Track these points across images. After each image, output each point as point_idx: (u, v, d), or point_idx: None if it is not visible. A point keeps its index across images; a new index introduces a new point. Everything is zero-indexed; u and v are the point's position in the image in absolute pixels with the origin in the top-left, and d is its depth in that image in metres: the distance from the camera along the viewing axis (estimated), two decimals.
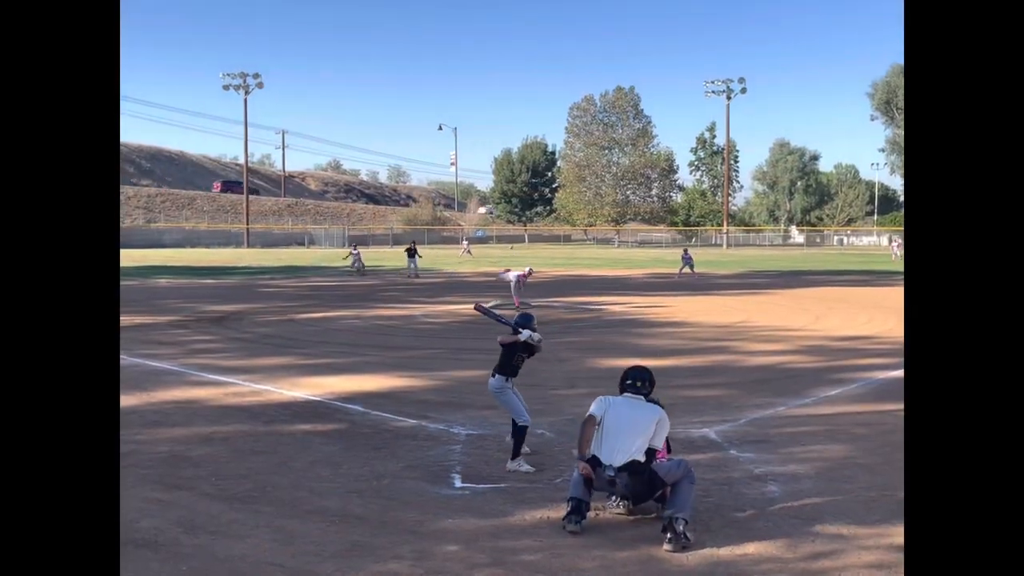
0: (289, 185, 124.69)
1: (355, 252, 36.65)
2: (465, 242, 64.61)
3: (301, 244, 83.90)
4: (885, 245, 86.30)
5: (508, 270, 22.58)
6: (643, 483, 5.47)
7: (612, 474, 5.45)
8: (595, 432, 5.67)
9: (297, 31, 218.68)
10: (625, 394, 5.91)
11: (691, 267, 35.39)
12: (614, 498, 5.81)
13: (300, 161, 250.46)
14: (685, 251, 38.16)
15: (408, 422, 8.47)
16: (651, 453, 5.55)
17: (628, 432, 5.59)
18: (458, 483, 6.48)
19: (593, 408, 5.80)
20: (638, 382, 5.93)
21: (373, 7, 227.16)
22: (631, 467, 5.45)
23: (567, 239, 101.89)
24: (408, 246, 35.96)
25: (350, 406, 9.21)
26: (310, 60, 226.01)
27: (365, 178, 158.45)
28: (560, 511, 5.67)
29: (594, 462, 5.52)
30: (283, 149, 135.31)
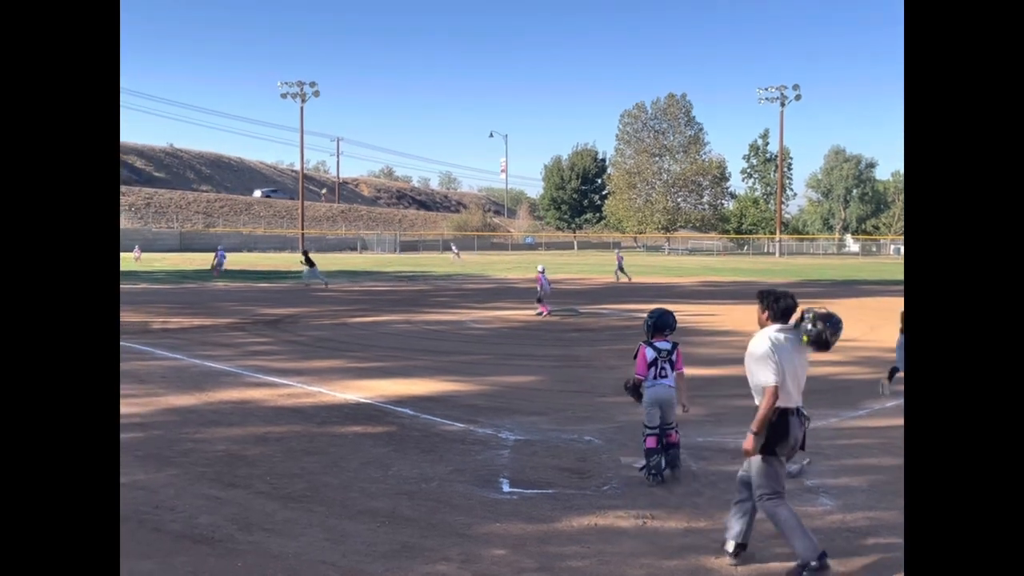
0: (343, 191, 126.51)
1: (220, 253, 35.55)
2: (454, 248, 64.73)
3: (354, 249, 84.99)
4: None
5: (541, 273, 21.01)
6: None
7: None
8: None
9: (352, 40, 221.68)
10: (779, 332, 5.06)
11: (621, 271, 34.25)
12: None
13: (354, 168, 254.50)
14: (618, 255, 37.10)
15: (457, 426, 8.55)
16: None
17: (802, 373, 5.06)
18: (506, 487, 6.53)
19: (773, 369, 4.89)
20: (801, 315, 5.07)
21: (426, 14, 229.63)
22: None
23: (616, 246, 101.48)
24: (303, 253, 33.13)
25: (400, 409, 9.34)
26: (364, 68, 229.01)
27: (416, 184, 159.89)
28: (608, 518, 5.68)
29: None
30: (337, 156, 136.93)
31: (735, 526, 5.07)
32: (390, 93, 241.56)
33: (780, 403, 4.85)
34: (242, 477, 6.70)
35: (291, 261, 52.11)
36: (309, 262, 31.43)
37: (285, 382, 10.94)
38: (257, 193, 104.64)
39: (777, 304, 5.07)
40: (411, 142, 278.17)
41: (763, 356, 4.89)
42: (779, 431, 4.89)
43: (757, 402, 4.98)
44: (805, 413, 5.08)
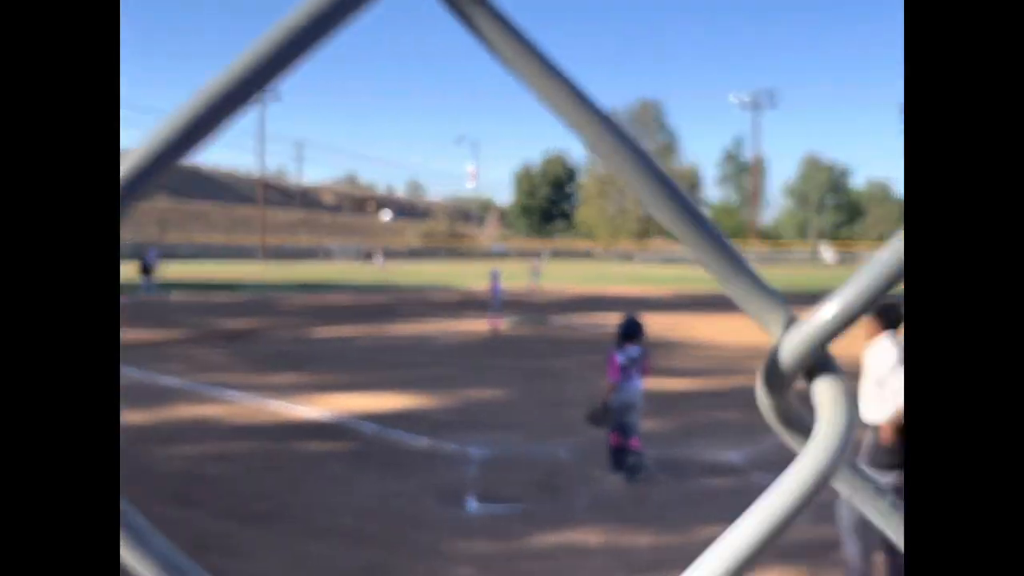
0: (304, 199, 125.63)
1: (150, 255, 32.06)
2: (377, 255, 64.36)
3: (316, 258, 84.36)
4: None
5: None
6: None
7: None
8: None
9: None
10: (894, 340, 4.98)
11: (535, 277, 33.82)
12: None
13: (316, 174, 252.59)
14: (535, 263, 36.54)
15: (423, 441, 8.38)
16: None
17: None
18: (474, 504, 6.38)
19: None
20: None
21: (390, 19, 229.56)
22: None
23: (588, 255, 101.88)
24: (142, 260, 30.29)
25: (364, 425, 9.14)
26: (327, 73, 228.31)
27: (382, 192, 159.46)
28: (577, 534, 5.57)
29: None
30: (299, 162, 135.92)
31: None
32: (355, 97, 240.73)
33: None
34: (200, 496, 6.48)
35: (250, 272, 51.55)
36: (146, 270, 29.42)
37: (244, 397, 10.68)
38: (386, 216, 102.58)
39: (893, 315, 4.97)
40: (377, 148, 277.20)
41: (901, 362, 4.78)
42: None
43: (870, 415, 4.88)
44: None
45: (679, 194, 0.38)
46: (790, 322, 0.41)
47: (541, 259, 37.82)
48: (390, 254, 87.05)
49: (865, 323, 4.96)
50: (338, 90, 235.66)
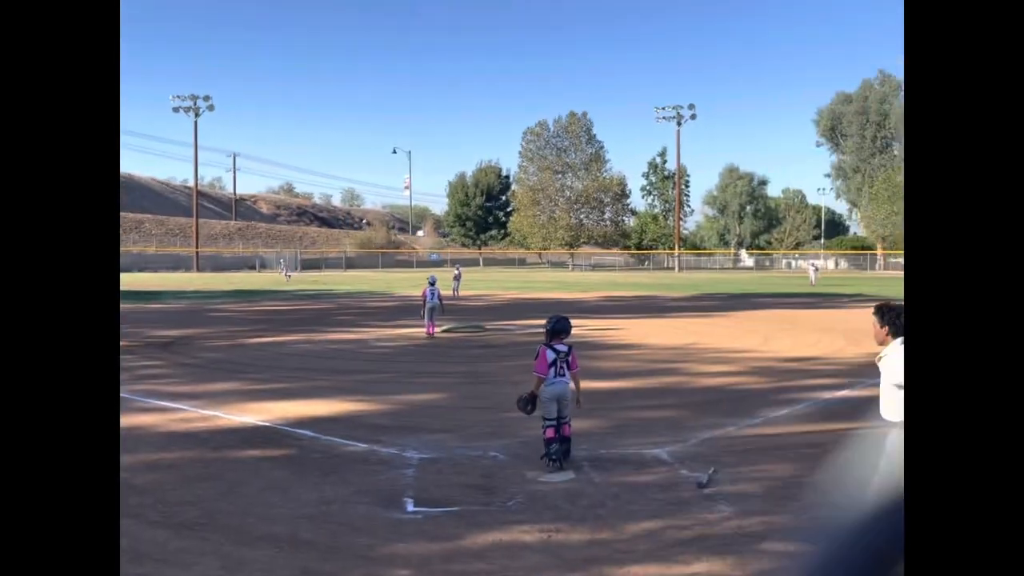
0: (240, 208, 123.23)
1: None
2: (283, 264, 63.73)
3: (252, 268, 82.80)
4: (832, 268, 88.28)
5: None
6: None
7: None
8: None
9: (249, 54, 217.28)
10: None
11: (453, 290, 34.27)
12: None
13: (252, 184, 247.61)
14: (456, 271, 37.16)
15: (360, 446, 8.39)
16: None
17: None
18: (410, 507, 6.43)
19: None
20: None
21: (324, 30, 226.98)
22: None
23: (522, 262, 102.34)
24: None
25: (300, 431, 9.10)
26: (262, 83, 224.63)
27: (318, 201, 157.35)
28: (513, 533, 5.67)
29: None
30: (234, 172, 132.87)
31: None
32: (289, 108, 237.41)
33: None
34: (131, 506, 6.37)
35: (184, 281, 50.40)
36: None
37: (178, 406, 10.50)
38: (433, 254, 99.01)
39: (900, 319, 5.09)
40: (312, 158, 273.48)
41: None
42: None
43: (892, 415, 5.00)
44: None
45: None
46: None
47: (459, 268, 38.37)
48: (329, 264, 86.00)
49: (876, 328, 5.16)
50: (274, 102, 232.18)
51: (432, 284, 19.49)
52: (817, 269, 55.60)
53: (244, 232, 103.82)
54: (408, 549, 5.51)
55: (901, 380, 4.96)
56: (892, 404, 5.02)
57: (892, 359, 5.06)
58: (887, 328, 5.12)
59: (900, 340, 5.05)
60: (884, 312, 5.16)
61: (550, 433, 7.51)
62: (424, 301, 19.38)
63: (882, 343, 5.15)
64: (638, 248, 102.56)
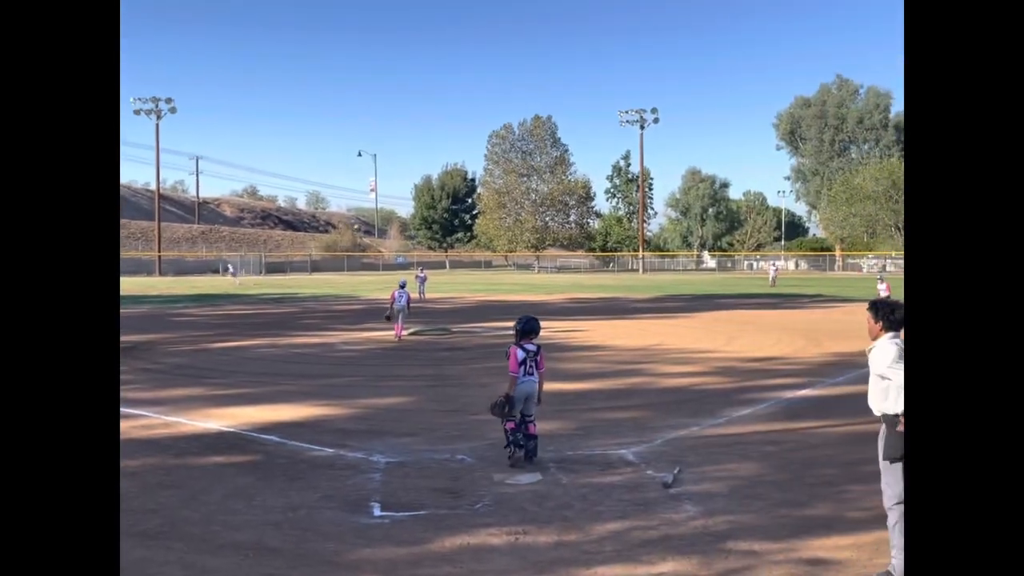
0: (203, 211, 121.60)
1: None
2: (231, 268, 63.18)
3: (216, 272, 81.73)
4: (792, 269, 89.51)
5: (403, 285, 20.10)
6: None
7: None
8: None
9: (211, 56, 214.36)
10: (894, 339, 5.18)
11: (419, 293, 34.40)
12: None
13: (215, 187, 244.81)
14: (421, 273, 37.56)
15: (326, 451, 8.33)
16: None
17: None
18: (377, 511, 6.41)
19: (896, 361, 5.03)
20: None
21: (288, 31, 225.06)
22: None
23: (488, 265, 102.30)
24: None
25: (265, 436, 9.01)
26: (225, 85, 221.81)
27: (283, 204, 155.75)
28: (480, 536, 5.68)
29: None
30: (197, 175, 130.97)
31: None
32: (253, 111, 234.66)
33: None
34: None
35: (147, 285, 49.63)
36: None
37: (139, 412, 10.34)
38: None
39: (893, 315, 5.18)
40: (276, 161, 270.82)
41: (898, 358, 4.95)
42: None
43: (880, 407, 5.08)
44: None
45: None
46: None
47: (423, 271, 38.60)
48: (294, 267, 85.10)
49: (870, 323, 5.24)
50: (237, 105, 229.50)
51: (402, 287, 19.66)
52: (777, 269, 56.35)
53: (207, 236, 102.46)
54: (375, 554, 5.49)
55: (883, 371, 5.09)
56: (876, 394, 5.15)
57: (875, 351, 5.19)
58: (881, 323, 5.23)
59: (891, 335, 5.18)
60: (878, 307, 5.29)
61: (510, 425, 7.74)
62: (392, 302, 19.34)
63: (875, 337, 5.27)
64: (603, 250, 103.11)
